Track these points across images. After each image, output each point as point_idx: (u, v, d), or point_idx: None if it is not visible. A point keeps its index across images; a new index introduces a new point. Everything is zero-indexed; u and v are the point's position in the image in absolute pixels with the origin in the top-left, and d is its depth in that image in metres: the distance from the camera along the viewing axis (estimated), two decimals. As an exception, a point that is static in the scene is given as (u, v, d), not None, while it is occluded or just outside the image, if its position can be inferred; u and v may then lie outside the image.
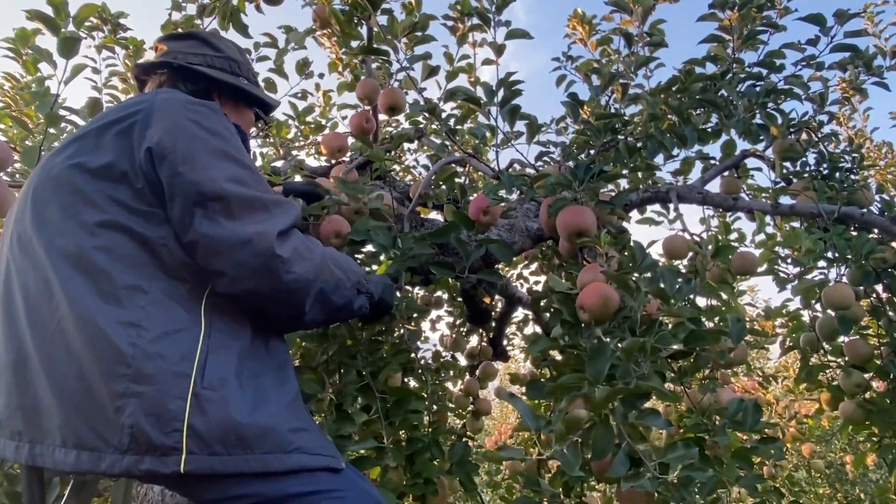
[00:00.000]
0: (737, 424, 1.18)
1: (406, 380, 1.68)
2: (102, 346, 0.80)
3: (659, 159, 1.84)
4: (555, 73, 2.12)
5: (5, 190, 1.39)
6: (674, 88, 1.81)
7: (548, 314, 1.95)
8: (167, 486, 1.16)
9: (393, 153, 2.79)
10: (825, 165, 1.98)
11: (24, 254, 0.91)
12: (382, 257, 1.42)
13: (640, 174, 2.06)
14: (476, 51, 2.09)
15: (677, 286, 1.19)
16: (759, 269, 1.79)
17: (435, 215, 2.37)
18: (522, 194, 1.71)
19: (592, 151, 1.81)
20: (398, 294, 1.38)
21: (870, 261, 1.63)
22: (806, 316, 1.90)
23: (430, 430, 1.56)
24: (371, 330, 1.39)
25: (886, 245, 1.70)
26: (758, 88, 1.84)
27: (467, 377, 2.50)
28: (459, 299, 2.53)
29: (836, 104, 2.06)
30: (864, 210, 1.80)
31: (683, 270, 1.62)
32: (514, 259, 2.45)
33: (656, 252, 1.77)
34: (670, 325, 1.23)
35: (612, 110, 1.92)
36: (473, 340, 2.67)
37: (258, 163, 2.65)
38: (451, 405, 2.10)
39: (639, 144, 1.76)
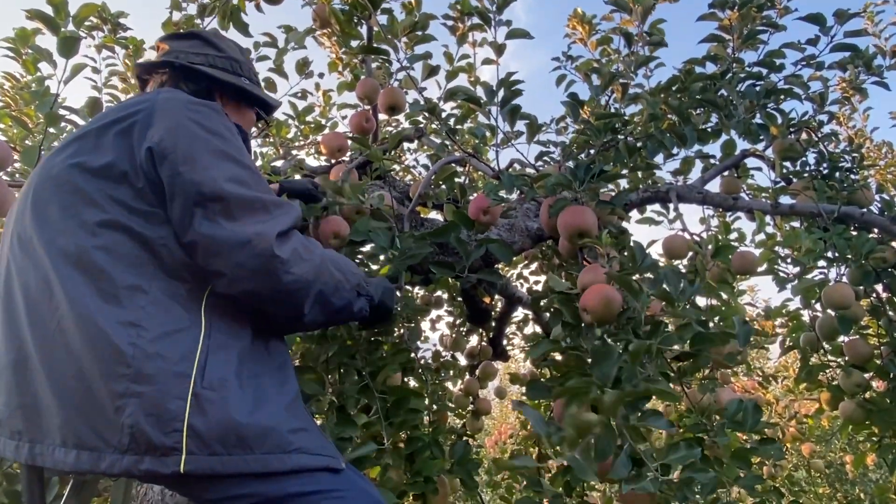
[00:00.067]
0: (737, 425, 1.18)
1: (406, 379, 1.68)
2: (102, 345, 0.80)
3: (659, 159, 1.84)
4: (555, 73, 2.12)
5: (5, 190, 1.39)
6: (674, 88, 1.81)
7: (548, 314, 1.95)
8: (167, 486, 1.16)
9: (392, 153, 2.79)
10: (825, 165, 1.98)
11: (25, 253, 0.91)
12: (382, 257, 1.42)
13: (639, 174, 2.06)
14: (476, 50, 2.09)
15: (681, 288, 1.18)
16: (759, 269, 1.78)
17: (435, 215, 2.37)
18: (523, 194, 1.71)
19: (592, 151, 1.81)
20: (398, 294, 1.38)
21: (870, 260, 1.63)
22: (806, 316, 1.90)
23: (430, 429, 1.56)
24: (370, 330, 1.39)
25: (886, 245, 1.69)
26: (758, 88, 1.84)
27: (467, 377, 2.51)
28: (459, 299, 2.54)
29: (836, 104, 2.06)
30: (864, 210, 1.80)
31: (683, 270, 1.62)
32: (514, 259, 2.45)
33: (656, 252, 1.77)
34: (672, 327, 1.23)
35: (612, 110, 1.92)
36: (473, 340, 2.67)
37: (258, 162, 2.65)
38: (450, 405, 2.11)
39: (639, 144, 1.76)
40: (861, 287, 1.69)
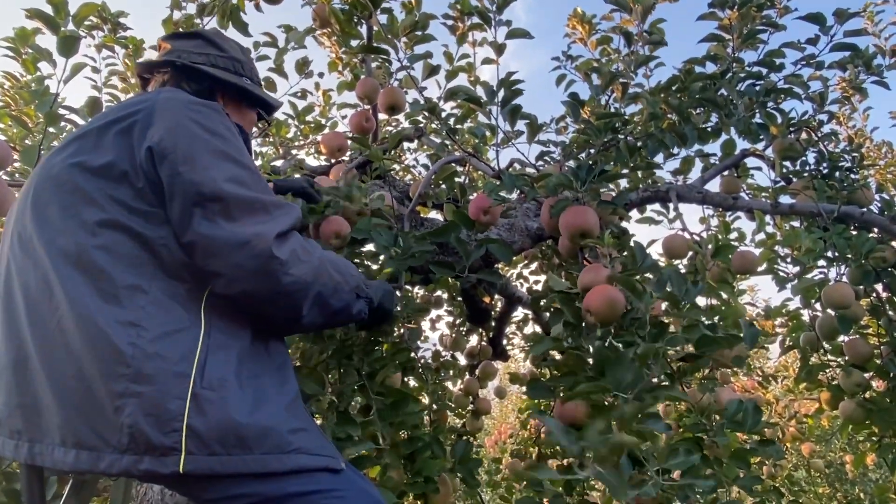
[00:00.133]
0: (736, 425, 1.18)
1: (406, 379, 1.68)
2: (102, 345, 0.80)
3: (659, 158, 1.84)
4: (554, 73, 2.12)
5: (5, 189, 1.39)
6: (674, 88, 1.81)
7: (548, 314, 1.95)
8: (166, 486, 1.16)
9: (392, 152, 2.79)
10: (825, 165, 1.98)
11: (25, 253, 0.91)
12: (382, 257, 1.42)
13: (639, 173, 2.06)
14: (476, 50, 2.09)
15: (685, 289, 1.18)
16: (759, 269, 1.78)
17: (435, 215, 2.37)
18: (523, 194, 1.71)
19: (592, 151, 1.81)
20: (398, 294, 1.38)
21: (869, 260, 1.63)
22: (806, 315, 1.90)
23: (431, 428, 1.56)
24: (369, 331, 1.38)
25: (886, 244, 1.69)
26: (758, 88, 1.84)
27: (467, 377, 2.50)
28: (459, 299, 2.53)
29: (836, 103, 2.06)
30: (864, 209, 1.80)
31: (683, 270, 1.62)
32: (514, 259, 2.45)
33: (656, 252, 1.77)
34: (672, 328, 1.23)
35: (612, 109, 1.92)
36: (473, 340, 2.67)
37: (258, 162, 2.65)
38: (450, 405, 2.10)
39: (639, 143, 1.76)
40: (861, 286, 1.69)
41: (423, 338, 1.55)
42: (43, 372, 0.83)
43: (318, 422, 1.15)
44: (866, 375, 1.70)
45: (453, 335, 2.62)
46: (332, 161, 2.11)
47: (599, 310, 1.17)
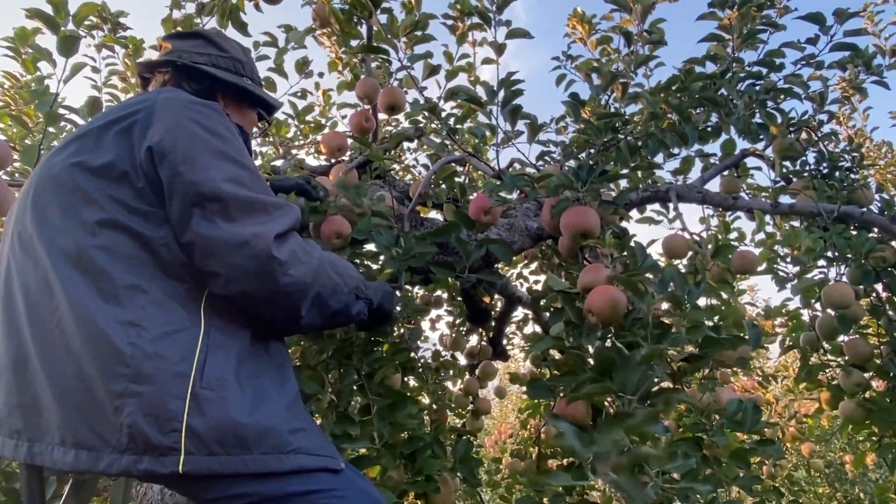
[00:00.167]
0: (736, 425, 1.18)
1: (406, 379, 1.68)
2: (102, 345, 0.80)
3: (659, 158, 1.84)
4: (554, 73, 2.12)
5: (5, 189, 1.39)
6: (674, 87, 1.81)
7: (548, 314, 1.95)
8: (166, 486, 1.16)
9: (392, 152, 2.79)
10: (825, 164, 1.98)
11: (25, 253, 0.91)
12: (383, 258, 1.42)
13: (639, 173, 2.06)
14: (476, 50, 2.09)
15: (688, 290, 1.18)
16: (759, 269, 1.78)
17: (434, 214, 2.37)
18: (524, 195, 1.71)
19: (593, 151, 1.81)
20: (398, 294, 1.38)
21: (869, 260, 1.63)
22: (805, 315, 1.90)
23: (432, 428, 1.56)
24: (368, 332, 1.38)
25: (886, 244, 1.69)
26: (757, 87, 1.84)
27: (467, 376, 2.50)
28: (459, 299, 2.54)
29: (836, 103, 2.06)
30: (864, 209, 1.79)
31: (683, 270, 1.62)
32: (514, 258, 2.45)
33: (656, 252, 1.77)
34: (673, 328, 1.23)
35: (612, 109, 1.92)
36: (473, 340, 2.67)
37: (258, 162, 2.65)
38: (451, 404, 2.11)
39: (639, 143, 1.76)
40: (861, 286, 1.69)
41: (423, 338, 1.55)
42: (43, 372, 0.83)
43: (318, 421, 1.15)
44: (866, 375, 1.70)
45: (453, 335, 2.62)
46: (332, 161, 2.11)
47: (601, 310, 1.17)
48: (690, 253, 1.68)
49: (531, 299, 2.11)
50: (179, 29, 2.07)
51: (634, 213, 2.14)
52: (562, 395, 1.28)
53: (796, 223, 1.99)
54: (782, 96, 1.87)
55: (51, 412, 0.82)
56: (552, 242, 1.92)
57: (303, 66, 2.51)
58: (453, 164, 2.07)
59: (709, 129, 1.84)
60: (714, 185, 2.09)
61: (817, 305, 1.81)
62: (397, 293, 1.35)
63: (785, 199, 1.92)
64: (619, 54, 2.06)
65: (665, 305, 1.26)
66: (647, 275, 1.23)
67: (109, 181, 0.89)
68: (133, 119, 0.92)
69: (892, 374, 1.67)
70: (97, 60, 2.25)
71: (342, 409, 1.25)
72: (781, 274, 1.81)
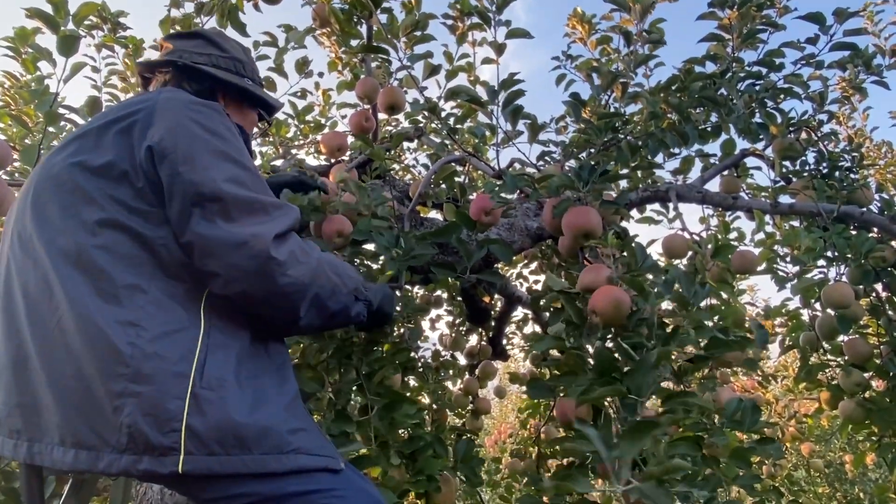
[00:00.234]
0: (736, 424, 1.18)
1: (406, 379, 1.68)
2: (101, 345, 0.80)
3: (659, 158, 1.84)
4: (554, 73, 2.12)
5: (5, 189, 1.39)
6: (674, 87, 1.81)
7: (547, 313, 1.95)
8: (166, 486, 1.16)
9: (392, 152, 2.79)
10: (825, 164, 1.98)
11: (25, 252, 0.91)
12: (383, 258, 1.42)
13: (639, 173, 2.06)
14: (475, 50, 2.09)
15: (694, 290, 1.18)
16: (759, 269, 1.78)
17: (434, 214, 2.37)
18: (524, 195, 1.71)
19: (593, 150, 1.81)
20: (398, 294, 1.38)
21: (869, 259, 1.63)
22: (805, 315, 1.90)
23: (433, 428, 1.56)
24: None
25: (886, 244, 1.69)
26: (757, 87, 1.84)
27: (467, 376, 2.50)
28: (459, 298, 2.53)
29: (836, 103, 2.06)
30: (864, 209, 1.79)
31: (683, 270, 1.62)
32: (514, 258, 2.45)
33: (655, 252, 1.77)
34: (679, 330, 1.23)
35: (612, 109, 1.92)
36: (473, 339, 2.67)
37: (258, 162, 2.65)
38: (451, 404, 2.11)
39: (640, 143, 1.76)
40: (861, 286, 1.69)
41: (423, 337, 1.55)
42: (42, 371, 0.83)
43: (316, 420, 1.15)
44: (866, 375, 1.70)
45: (453, 335, 2.62)
46: (332, 161, 2.11)
47: (605, 311, 1.16)
48: (690, 253, 1.68)
49: (531, 299, 2.11)
50: (179, 29, 2.07)
51: (634, 213, 2.14)
52: (561, 395, 1.28)
53: (796, 223, 1.99)
54: (782, 96, 1.87)
55: (50, 412, 0.82)
56: (552, 242, 1.92)
57: (303, 66, 2.51)
58: (453, 164, 2.07)
59: (708, 128, 1.84)
60: (714, 185, 2.10)
61: (817, 305, 1.81)
62: (397, 293, 1.35)
63: (785, 199, 1.93)
64: (618, 54, 2.06)
65: (665, 305, 1.26)
66: (649, 275, 1.23)
67: (109, 181, 0.89)
68: (133, 119, 0.92)
69: (891, 374, 1.67)
70: (97, 60, 2.25)
71: (341, 407, 1.25)
72: (781, 274, 1.81)
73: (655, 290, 1.18)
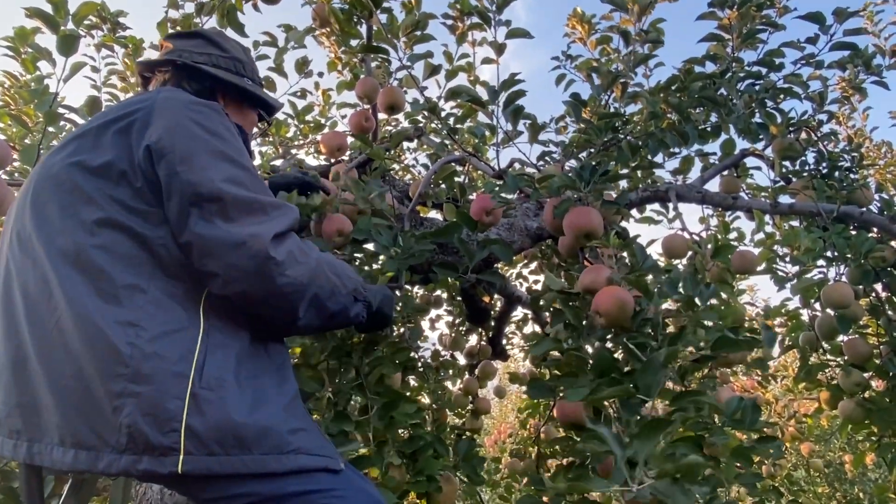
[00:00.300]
0: (736, 423, 1.18)
1: (406, 379, 1.68)
2: (101, 345, 0.80)
3: (659, 158, 1.84)
4: (554, 73, 2.12)
5: (4, 188, 1.39)
6: (673, 87, 1.81)
7: (547, 313, 1.95)
8: (165, 486, 1.16)
9: (392, 152, 2.79)
10: (824, 164, 1.98)
11: (24, 252, 0.91)
12: (382, 257, 1.42)
13: (639, 173, 2.06)
14: (475, 50, 2.09)
15: (699, 290, 1.18)
16: (759, 268, 1.78)
17: (434, 214, 2.37)
18: (525, 195, 1.71)
19: (593, 150, 1.81)
20: (398, 293, 1.38)
21: (869, 259, 1.63)
22: (805, 315, 1.90)
23: (434, 427, 1.56)
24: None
25: (885, 244, 1.70)
26: (757, 87, 1.84)
27: (466, 376, 2.50)
28: (458, 298, 2.53)
29: (836, 103, 2.07)
30: (864, 209, 1.80)
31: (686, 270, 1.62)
32: (514, 258, 2.44)
33: (655, 252, 1.77)
34: (673, 328, 1.23)
35: (612, 109, 1.92)
36: (473, 339, 2.67)
37: (257, 162, 2.65)
38: (451, 403, 2.10)
39: (640, 143, 1.76)
40: (860, 286, 1.69)
41: (422, 337, 1.55)
42: (42, 372, 0.83)
43: (316, 419, 1.15)
44: (865, 375, 1.70)
45: (453, 335, 2.61)
46: (332, 161, 2.11)
47: (610, 311, 1.16)
48: (690, 253, 1.68)
49: (530, 299, 2.11)
50: (179, 29, 2.07)
51: (634, 213, 2.14)
52: (561, 395, 1.28)
53: (796, 223, 1.99)
54: (782, 96, 1.88)
55: (50, 412, 0.82)
56: (552, 242, 1.92)
57: (302, 66, 2.51)
58: (453, 164, 2.07)
59: (708, 128, 1.84)
60: (714, 185, 2.10)
61: (817, 305, 1.81)
62: (397, 293, 1.35)
63: (784, 199, 1.93)
64: (618, 54, 2.06)
65: (666, 305, 1.26)
66: (658, 275, 1.23)
67: (108, 181, 0.89)
68: (132, 118, 0.92)
69: (891, 374, 1.68)
70: (97, 60, 2.25)
71: (341, 407, 1.25)
72: (781, 274, 1.81)
73: (658, 289, 1.18)
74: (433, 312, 2.70)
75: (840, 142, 2.27)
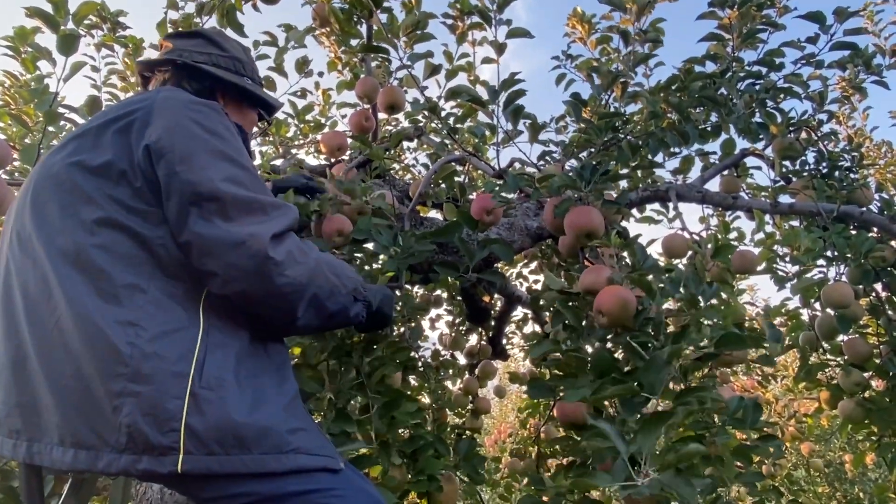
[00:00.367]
0: (737, 422, 1.18)
1: (406, 378, 1.68)
2: (100, 345, 0.80)
3: (659, 157, 1.84)
4: (554, 72, 2.12)
5: (5, 188, 1.39)
6: (674, 87, 1.81)
7: (547, 313, 1.95)
8: (165, 485, 1.16)
9: (392, 152, 2.79)
10: (824, 164, 1.98)
11: (24, 252, 0.91)
12: (382, 257, 1.42)
13: (639, 172, 2.06)
14: (476, 49, 2.09)
15: (702, 289, 1.18)
16: (759, 268, 1.78)
17: (434, 214, 2.37)
18: (525, 195, 1.71)
19: (593, 150, 1.81)
20: (398, 293, 1.38)
21: (869, 259, 1.63)
22: (805, 315, 1.90)
23: (434, 427, 1.56)
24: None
25: (885, 244, 1.70)
26: (757, 87, 1.84)
27: (466, 376, 2.50)
28: (459, 298, 2.53)
29: (836, 103, 2.06)
30: (864, 209, 1.80)
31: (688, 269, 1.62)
32: (514, 258, 2.44)
33: (655, 251, 1.77)
34: (673, 327, 1.23)
35: (612, 109, 1.92)
36: (473, 339, 2.67)
37: (258, 162, 2.65)
38: (451, 403, 2.10)
39: (640, 142, 1.76)
40: (860, 286, 1.69)
41: (423, 337, 1.55)
42: (42, 371, 0.83)
43: (317, 419, 1.15)
44: (865, 375, 1.70)
45: (453, 334, 2.61)
46: (332, 160, 2.11)
47: (612, 310, 1.16)
48: (690, 253, 1.68)
49: (530, 299, 2.11)
50: (179, 29, 2.07)
51: (634, 213, 2.14)
52: (561, 395, 1.28)
53: (796, 223, 1.99)
54: (782, 96, 1.87)
55: (50, 412, 0.82)
56: (552, 242, 1.92)
57: (302, 66, 2.50)
58: (453, 164, 2.07)
59: (708, 128, 1.84)
60: (714, 185, 2.10)
61: (817, 305, 1.81)
62: (396, 293, 1.35)
63: (784, 199, 1.93)
64: (618, 54, 2.06)
65: (667, 305, 1.26)
66: (660, 275, 1.23)
67: (108, 180, 0.89)
68: (132, 118, 0.92)
69: (891, 374, 1.67)
70: (97, 59, 2.25)
71: (341, 407, 1.25)
72: (781, 273, 1.81)
73: (661, 288, 1.18)
74: (433, 312, 2.70)
75: (840, 141, 2.27)
